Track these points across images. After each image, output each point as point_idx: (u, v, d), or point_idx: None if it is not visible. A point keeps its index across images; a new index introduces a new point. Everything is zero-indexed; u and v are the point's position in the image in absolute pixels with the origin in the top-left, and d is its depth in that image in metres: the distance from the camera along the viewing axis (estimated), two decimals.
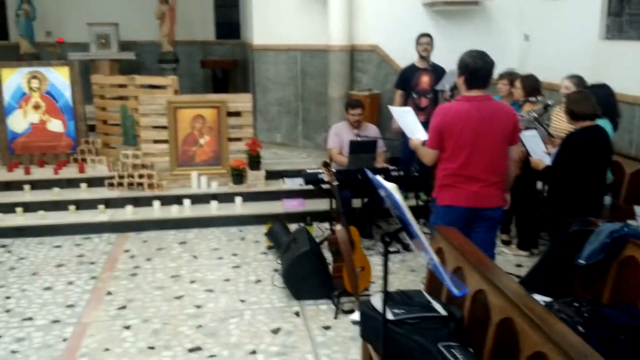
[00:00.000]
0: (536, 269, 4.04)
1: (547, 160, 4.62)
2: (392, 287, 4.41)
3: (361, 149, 5.61)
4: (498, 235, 5.64)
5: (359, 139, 5.84)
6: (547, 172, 4.54)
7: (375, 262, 5.30)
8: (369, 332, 3.13)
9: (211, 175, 6.86)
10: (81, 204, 6.46)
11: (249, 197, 6.74)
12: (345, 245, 4.46)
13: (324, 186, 5.66)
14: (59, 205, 6.42)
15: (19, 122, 7.24)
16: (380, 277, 5.01)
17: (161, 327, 4.31)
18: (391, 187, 2.28)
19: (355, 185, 5.63)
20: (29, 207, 6.38)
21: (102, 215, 6.36)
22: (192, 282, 5.08)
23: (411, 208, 2.64)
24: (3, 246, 5.90)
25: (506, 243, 5.76)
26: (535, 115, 4.94)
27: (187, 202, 6.55)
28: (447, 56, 6.41)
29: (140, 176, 6.65)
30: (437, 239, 3.56)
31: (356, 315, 4.25)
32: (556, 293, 3.61)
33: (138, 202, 6.54)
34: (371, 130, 6.13)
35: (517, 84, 5.43)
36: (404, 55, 6.95)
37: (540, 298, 3.30)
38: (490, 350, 2.73)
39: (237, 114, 6.93)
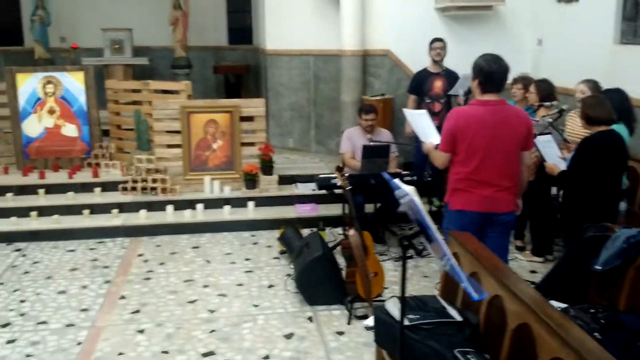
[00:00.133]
0: (551, 275, 4.01)
1: (562, 166, 4.59)
2: (406, 292, 4.38)
3: (374, 153, 5.61)
4: (512, 241, 5.61)
5: (372, 143, 5.83)
6: (562, 177, 4.51)
7: (388, 267, 5.30)
8: (383, 338, 3.12)
9: (224, 180, 6.88)
10: (95, 208, 6.50)
11: (261, 201, 6.75)
12: (359, 250, 4.45)
13: (337, 191, 5.66)
14: (73, 210, 6.46)
15: (33, 126, 7.31)
16: (393, 282, 5.03)
17: (175, 331, 4.32)
18: (410, 190, 2.28)
19: (368, 190, 5.62)
20: (43, 211, 6.42)
21: (115, 219, 6.39)
22: (205, 286, 5.09)
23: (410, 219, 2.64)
24: (18, 250, 5.94)
25: (520, 249, 5.72)
26: (550, 120, 4.91)
27: (200, 206, 6.57)
28: (460, 61, 6.44)
29: (154, 181, 6.68)
30: (452, 243, 3.54)
31: (370, 321, 4.24)
32: (572, 299, 3.57)
33: (151, 206, 6.57)
34: (384, 135, 6.13)
35: (532, 88, 5.41)
36: (417, 60, 6.94)
37: (556, 304, 3.26)
38: (506, 356, 2.70)
39: (250, 118, 6.95)
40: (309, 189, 6.89)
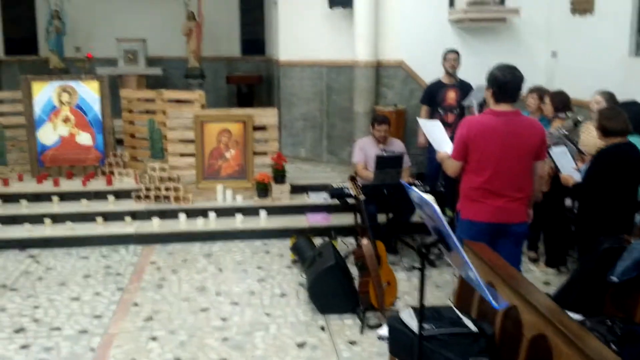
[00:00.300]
0: (567, 287, 3.98)
1: (577, 177, 4.57)
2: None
3: (387, 164, 5.61)
4: (525, 252, 5.59)
5: (384, 154, 5.83)
6: (577, 188, 4.49)
7: (401, 277, 5.28)
8: (398, 347, 3.11)
9: (236, 189, 6.90)
10: (108, 216, 6.54)
11: (273, 210, 6.76)
12: (372, 260, 4.44)
13: (350, 201, 5.66)
14: (87, 217, 6.51)
15: (48, 134, 7.38)
16: (405, 292, 5.02)
17: (187, 339, 4.32)
18: (429, 198, 2.28)
19: (381, 200, 5.62)
20: (57, 218, 6.47)
21: (128, 227, 6.42)
22: (217, 294, 5.09)
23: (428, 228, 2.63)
24: (31, 256, 5.98)
25: (534, 260, 5.69)
26: (565, 132, 4.89)
27: (212, 215, 6.59)
28: (473, 72, 6.45)
29: (167, 189, 6.72)
30: (467, 253, 3.51)
31: (383, 330, 4.22)
32: (588, 311, 3.55)
33: (164, 214, 6.60)
34: (397, 145, 6.13)
35: (547, 100, 5.40)
36: (430, 72, 6.95)
37: (571, 316, 3.25)
38: None
39: (262, 128, 6.98)
40: (320, 198, 6.91)
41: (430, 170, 6.58)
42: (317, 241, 5.86)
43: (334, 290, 4.68)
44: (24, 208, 6.62)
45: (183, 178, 6.84)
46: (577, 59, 6.72)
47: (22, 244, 6.17)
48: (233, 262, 5.86)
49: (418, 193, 2.42)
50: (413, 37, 7.48)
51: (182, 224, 6.50)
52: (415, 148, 6.88)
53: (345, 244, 6.11)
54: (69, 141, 7.40)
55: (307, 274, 5.10)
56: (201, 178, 6.94)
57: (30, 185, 7.09)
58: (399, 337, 3.04)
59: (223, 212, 6.69)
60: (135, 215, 6.58)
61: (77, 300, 4.98)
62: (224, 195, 6.84)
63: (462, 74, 6.61)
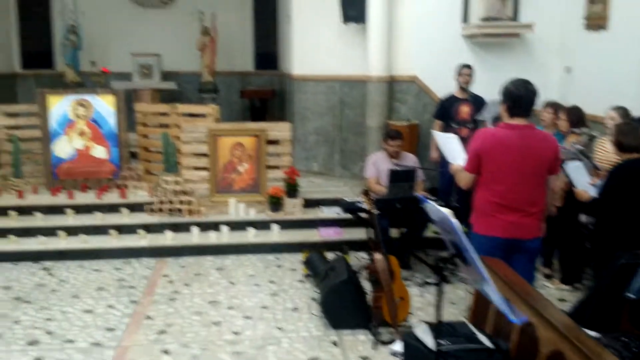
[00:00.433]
0: (582, 303, 3.94)
1: (592, 192, 4.54)
2: (433, 318, 4.34)
3: (400, 178, 5.60)
4: (540, 268, 5.54)
5: (398, 168, 5.83)
6: (592, 204, 4.46)
7: (414, 293, 5.25)
8: None
9: (249, 203, 6.91)
10: (122, 229, 6.57)
11: (285, 224, 6.76)
12: (385, 275, 4.42)
13: (362, 215, 5.64)
14: (101, 230, 6.53)
15: (64, 147, 7.44)
16: (418, 308, 4.98)
17: (200, 352, 4.31)
18: (447, 212, 2.28)
19: (394, 214, 5.60)
20: (71, 231, 6.50)
21: (142, 240, 6.44)
22: (229, 308, 5.09)
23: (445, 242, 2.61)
24: (45, 269, 6.01)
25: (548, 277, 5.63)
26: (581, 147, 4.87)
27: (225, 228, 6.60)
28: (486, 88, 6.45)
29: (180, 202, 6.74)
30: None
31: (396, 346, 4.20)
32: (603, 328, 3.50)
33: (177, 227, 6.62)
34: (409, 160, 6.12)
35: (562, 115, 5.38)
36: (443, 86, 6.96)
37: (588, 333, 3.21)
38: None
39: (276, 142, 7.01)
40: (333, 212, 6.90)
41: (443, 185, 6.57)
42: (330, 255, 5.84)
43: (347, 305, 4.66)
44: (39, 220, 6.66)
45: (196, 191, 6.86)
46: (592, 75, 6.69)
47: (36, 257, 6.20)
48: (245, 275, 5.86)
49: (435, 206, 2.41)
50: (426, 52, 7.51)
51: (195, 237, 6.52)
52: (428, 162, 6.87)
53: (357, 259, 6.09)
54: (84, 154, 7.46)
55: (319, 289, 5.09)
56: (214, 191, 6.96)
57: (44, 198, 7.14)
58: (413, 352, 3.01)
59: (235, 226, 6.70)
60: (148, 228, 6.60)
61: (91, 312, 4.99)
62: (236, 208, 6.85)
63: (476, 88, 6.61)
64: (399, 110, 7.74)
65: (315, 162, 8.75)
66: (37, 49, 11.79)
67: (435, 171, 6.61)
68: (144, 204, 6.88)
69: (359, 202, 5.74)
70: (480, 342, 2.91)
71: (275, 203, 6.84)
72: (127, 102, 8.03)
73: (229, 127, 7.14)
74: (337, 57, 8.28)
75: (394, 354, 4.19)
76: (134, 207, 6.90)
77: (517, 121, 3.78)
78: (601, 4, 6.42)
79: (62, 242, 6.37)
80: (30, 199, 7.07)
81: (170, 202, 6.75)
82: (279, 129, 7.06)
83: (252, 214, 6.85)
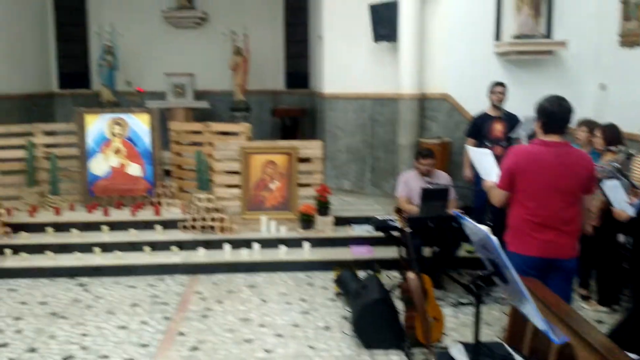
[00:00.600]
0: (621, 325, 3.85)
1: (630, 211, 4.45)
2: (468, 339, 4.27)
3: (433, 196, 5.56)
4: (577, 289, 5.42)
5: (431, 186, 5.79)
6: (631, 223, 4.36)
7: (447, 313, 5.18)
8: None
9: (280, 220, 6.94)
10: (156, 246, 6.65)
11: (317, 242, 6.76)
12: (418, 294, 4.38)
13: (395, 233, 5.61)
14: (135, 246, 6.62)
15: (100, 165, 7.60)
16: (452, 329, 4.92)
17: None
18: (486, 229, 2.26)
19: (427, 233, 5.55)
20: (106, 247, 6.61)
21: (175, 256, 6.51)
22: (261, 325, 5.09)
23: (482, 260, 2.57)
24: (81, 285, 6.11)
25: (585, 298, 5.51)
26: (618, 166, 4.77)
27: (256, 246, 6.63)
28: (519, 105, 6.39)
29: (213, 219, 6.80)
30: None
31: None
32: None
33: (210, 244, 6.67)
34: (442, 178, 6.08)
35: (597, 133, 5.30)
36: (475, 104, 6.92)
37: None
38: None
39: (307, 160, 7.04)
40: (364, 230, 6.88)
41: (477, 205, 6.49)
42: (361, 274, 5.82)
43: (380, 324, 4.62)
44: (75, 237, 6.79)
45: (228, 209, 6.92)
46: (627, 92, 6.58)
47: (72, 272, 6.31)
48: (277, 293, 5.86)
49: (473, 223, 2.39)
50: (458, 69, 7.49)
51: (227, 254, 6.56)
52: (460, 181, 6.81)
53: (389, 278, 6.05)
54: (119, 172, 7.60)
55: (351, 307, 5.06)
56: (246, 209, 7.01)
57: (81, 215, 7.28)
58: None
59: (267, 243, 6.73)
60: (181, 245, 6.67)
61: (125, 328, 5.04)
62: (268, 226, 6.89)
63: (509, 106, 6.55)
64: (430, 128, 7.72)
65: (346, 180, 8.77)
66: (74, 69, 12.15)
67: (468, 189, 6.55)
68: (177, 221, 6.97)
69: (391, 220, 5.72)
70: None
71: (307, 221, 6.85)
72: (161, 121, 8.18)
73: (260, 145, 7.21)
74: (368, 75, 8.32)
75: None
76: (168, 224, 6.99)
77: (552, 138, 3.74)
78: (636, 20, 6.34)
79: (98, 258, 6.48)
80: (67, 216, 7.21)
81: (203, 219, 6.82)
82: (310, 147, 7.09)
83: (283, 232, 6.87)
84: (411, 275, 4.46)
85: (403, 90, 7.61)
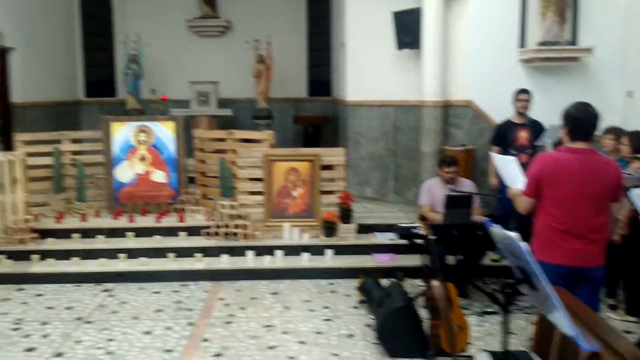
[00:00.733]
0: None
1: None
2: (493, 349, 4.23)
3: (457, 203, 5.52)
4: (604, 299, 5.34)
5: (454, 193, 5.75)
6: None
7: (472, 322, 5.14)
8: None
9: (303, 227, 6.95)
10: (180, 252, 6.70)
11: (339, 250, 6.75)
12: (443, 302, 4.34)
13: (418, 241, 5.59)
14: (160, 253, 6.69)
15: (125, 172, 7.69)
16: (477, 338, 4.87)
17: None
18: (515, 235, 2.24)
19: (451, 241, 5.52)
20: (131, 253, 6.68)
21: (199, 263, 6.56)
22: (284, 332, 5.10)
23: (511, 267, 2.54)
24: (106, 290, 6.18)
25: (613, 308, 5.42)
26: None
27: (279, 253, 6.65)
28: (544, 112, 6.35)
29: (236, 226, 6.84)
30: None
31: None
32: None
33: (233, 251, 6.71)
34: (466, 185, 6.04)
35: (624, 140, 5.23)
36: (500, 111, 6.87)
37: None
38: None
39: (329, 167, 7.05)
40: (387, 238, 6.86)
41: (501, 212, 6.43)
42: (384, 282, 5.79)
43: (403, 332, 4.60)
44: (101, 243, 6.87)
45: (251, 216, 6.95)
46: None
47: (98, 278, 6.38)
48: (300, 300, 5.87)
49: (501, 230, 2.37)
50: (481, 76, 7.45)
51: (250, 261, 6.58)
52: (485, 189, 6.76)
53: (412, 286, 6.02)
54: (144, 179, 7.69)
55: (374, 315, 5.04)
56: (269, 216, 7.04)
57: (106, 221, 7.37)
58: None
59: (290, 251, 6.74)
60: (205, 252, 6.71)
61: (149, 334, 5.09)
62: (290, 233, 6.90)
63: (534, 113, 6.50)
64: (454, 136, 7.69)
65: (369, 188, 8.76)
66: (100, 78, 12.36)
67: (493, 196, 6.50)
68: (201, 228, 7.01)
69: (414, 227, 5.70)
70: None
71: (329, 228, 6.86)
72: (186, 129, 8.26)
73: (283, 153, 7.24)
74: (391, 83, 8.32)
75: None
76: (192, 231, 7.04)
77: (579, 145, 3.71)
78: None
79: (123, 265, 6.55)
80: (93, 222, 7.31)
81: (226, 226, 6.86)
82: (332, 154, 7.11)
83: (306, 239, 6.88)
84: (435, 283, 4.42)
85: (426, 98, 7.59)
